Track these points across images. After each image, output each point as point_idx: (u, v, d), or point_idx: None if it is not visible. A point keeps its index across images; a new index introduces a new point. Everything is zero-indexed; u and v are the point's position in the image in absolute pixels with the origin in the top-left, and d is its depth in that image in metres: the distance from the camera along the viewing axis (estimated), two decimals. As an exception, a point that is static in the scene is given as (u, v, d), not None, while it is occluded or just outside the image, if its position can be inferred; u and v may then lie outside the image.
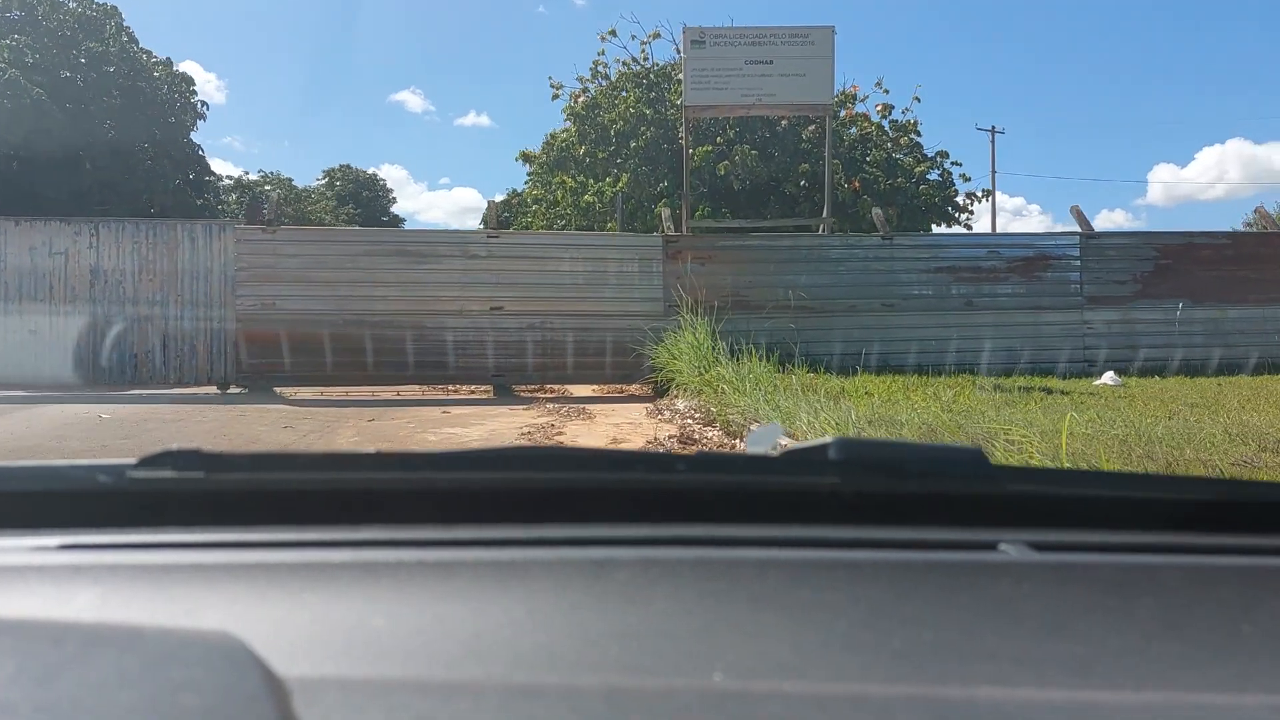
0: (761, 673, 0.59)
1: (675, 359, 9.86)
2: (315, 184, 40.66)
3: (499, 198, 23.16)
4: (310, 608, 0.67)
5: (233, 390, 11.06)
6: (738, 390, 7.90)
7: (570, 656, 0.60)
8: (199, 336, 11.15)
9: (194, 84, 24.51)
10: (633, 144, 18.30)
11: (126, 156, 20.83)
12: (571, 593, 0.70)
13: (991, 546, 0.83)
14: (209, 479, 0.84)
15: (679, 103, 14.74)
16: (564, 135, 19.64)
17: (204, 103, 25.15)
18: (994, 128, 29.40)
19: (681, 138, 15.88)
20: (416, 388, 11.34)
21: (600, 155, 18.62)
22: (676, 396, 9.53)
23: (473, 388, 11.62)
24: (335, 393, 10.96)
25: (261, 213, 10.89)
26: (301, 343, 10.85)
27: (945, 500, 0.91)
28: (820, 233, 13.17)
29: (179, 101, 23.94)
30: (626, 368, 11.11)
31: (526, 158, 20.25)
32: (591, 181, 18.72)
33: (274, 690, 0.48)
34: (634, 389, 11.24)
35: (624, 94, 18.86)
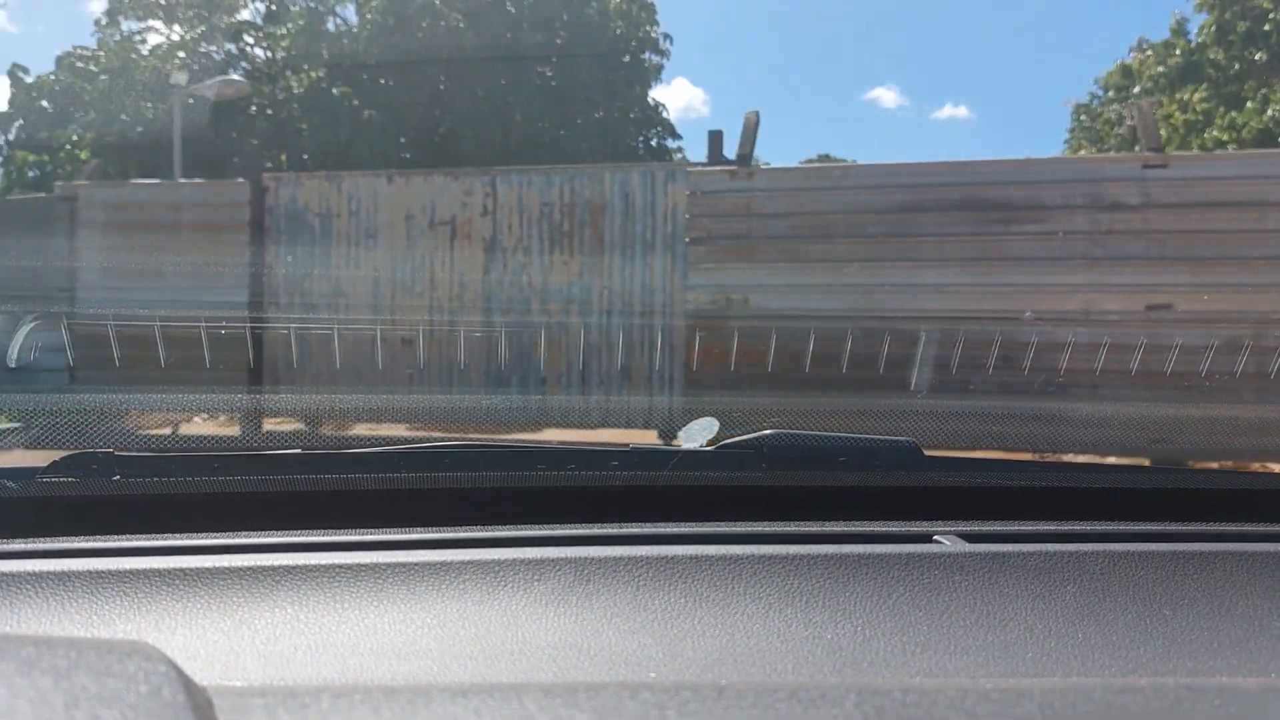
0: (696, 668, 0.64)
1: None
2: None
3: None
4: (233, 614, 0.70)
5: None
6: None
7: (504, 656, 0.65)
8: (633, 351, 7.27)
9: (655, 12, 18.91)
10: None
11: (567, 106, 16.98)
12: (505, 593, 0.74)
13: (926, 538, 0.91)
14: (124, 483, 0.89)
15: None
16: (1183, 43, 13.05)
17: (667, 35, 19.66)
18: None
19: None
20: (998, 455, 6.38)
21: (1258, 56, 11.87)
22: None
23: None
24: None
25: (721, 152, 6.77)
26: (788, 367, 6.41)
27: (881, 493, 1.00)
28: None
29: (635, 38, 18.63)
30: None
31: (1127, 71, 13.88)
32: (1251, 105, 11.98)
33: (195, 701, 0.48)
34: None
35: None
